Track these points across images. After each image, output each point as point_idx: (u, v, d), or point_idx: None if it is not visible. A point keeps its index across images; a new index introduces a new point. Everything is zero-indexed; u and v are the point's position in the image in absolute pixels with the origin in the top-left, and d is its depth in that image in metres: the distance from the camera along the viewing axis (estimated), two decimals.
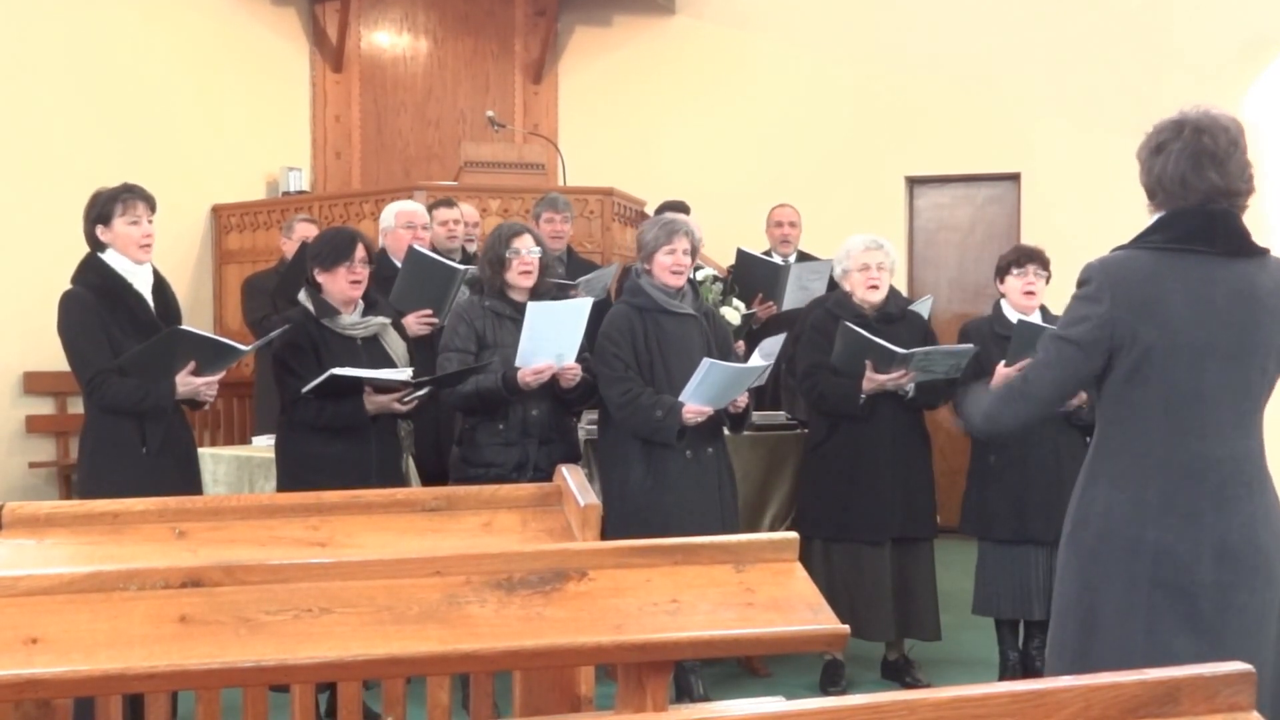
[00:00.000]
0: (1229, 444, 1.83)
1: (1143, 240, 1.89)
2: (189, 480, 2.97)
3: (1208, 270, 1.83)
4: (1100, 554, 1.86)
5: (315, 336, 3.02)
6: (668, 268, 3.21)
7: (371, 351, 3.08)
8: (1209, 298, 1.82)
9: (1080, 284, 1.91)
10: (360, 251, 3.03)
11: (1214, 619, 1.81)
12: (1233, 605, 1.82)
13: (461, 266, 3.75)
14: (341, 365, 2.93)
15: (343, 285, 3.02)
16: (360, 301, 3.10)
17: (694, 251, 3.29)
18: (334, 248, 3.03)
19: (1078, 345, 1.87)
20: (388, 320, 3.17)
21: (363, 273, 3.04)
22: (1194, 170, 1.83)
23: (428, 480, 3.34)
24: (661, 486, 3.17)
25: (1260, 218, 5.55)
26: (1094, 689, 1.07)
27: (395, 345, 3.17)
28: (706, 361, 3.03)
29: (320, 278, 3.05)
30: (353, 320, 3.08)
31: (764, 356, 3.43)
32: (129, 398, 2.81)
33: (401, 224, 4.04)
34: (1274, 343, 1.86)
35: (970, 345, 3.34)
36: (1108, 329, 1.83)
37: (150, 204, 2.91)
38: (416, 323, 3.63)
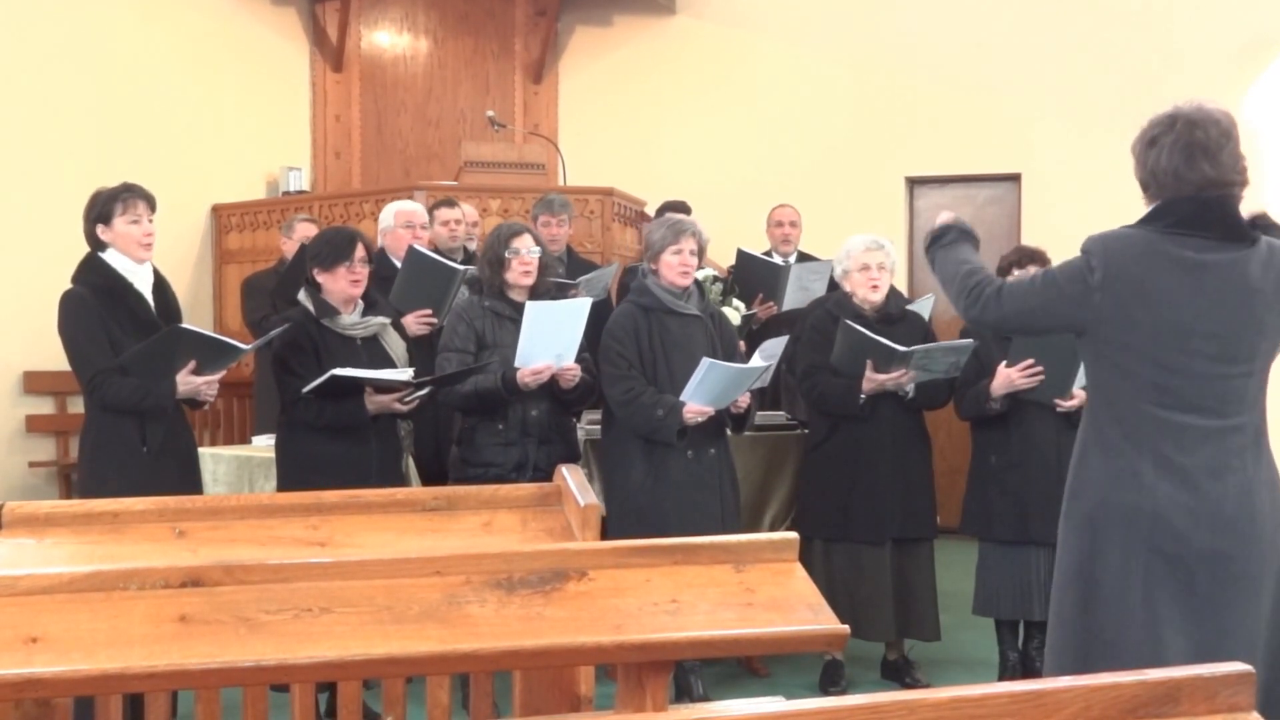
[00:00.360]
0: (1222, 418, 1.87)
1: (1141, 225, 1.93)
2: (189, 480, 2.97)
3: (1200, 254, 1.87)
4: (1096, 523, 1.89)
5: (315, 336, 3.02)
6: (674, 267, 3.22)
7: (371, 351, 3.08)
8: (1198, 279, 1.86)
9: (1082, 251, 1.95)
10: (360, 251, 3.03)
11: (1210, 588, 1.84)
12: (1229, 575, 1.84)
13: (461, 266, 3.75)
14: (341, 365, 2.93)
15: (342, 285, 3.02)
16: (360, 301, 3.10)
17: (700, 252, 3.29)
18: (333, 247, 3.03)
19: (1059, 291, 1.93)
20: (387, 320, 3.17)
21: (362, 272, 3.04)
22: (1186, 163, 1.86)
23: (427, 480, 3.35)
24: (662, 486, 3.17)
25: None
26: (1093, 689, 1.07)
27: (395, 345, 3.17)
28: (706, 361, 3.04)
29: (320, 277, 3.05)
30: (352, 320, 3.08)
31: (765, 357, 3.42)
32: (129, 397, 2.81)
33: (401, 224, 4.04)
34: (1266, 321, 1.89)
35: (970, 340, 3.35)
36: (1095, 298, 1.88)
37: (150, 203, 2.91)
38: (416, 322, 3.63)
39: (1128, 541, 1.85)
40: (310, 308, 3.05)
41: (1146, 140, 1.91)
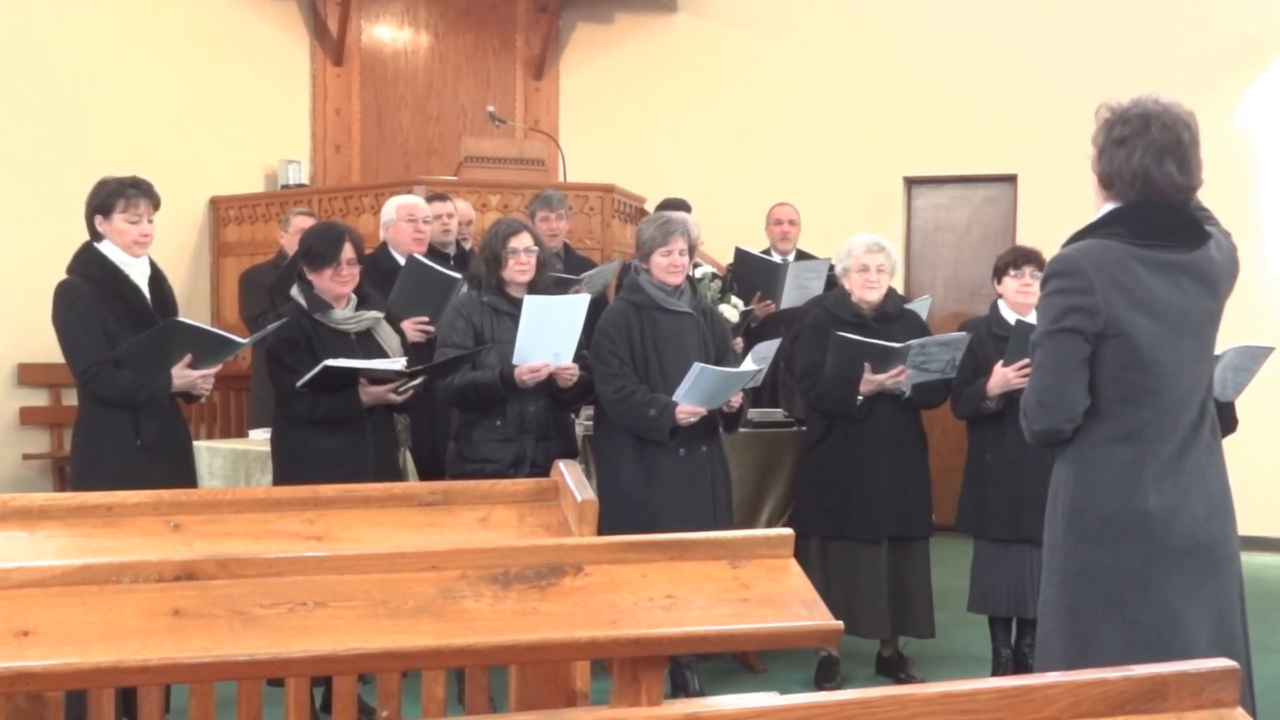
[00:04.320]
0: (1200, 414, 1.91)
1: (1106, 232, 1.90)
2: (183, 473, 2.97)
3: (1173, 259, 1.88)
4: (1107, 536, 1.87)
5: (309, 331, 3.02)
6: (664, 268, 3.23)
7: (365, 345, 3.08)
8: (1179, 281, 1.88)
9: (1055, 275, 1.89)
10: (348, 252, 3.01)
11: (1213, 573, 1.88)
12: (1226, 556, 1.91)
13: (459, 275, 3.75)
14: (335, 359, 2.93)
15: (330, 285, 3.03)
16: (353, 296, 3.09)
17: (691, 250, 3.29)
18: (320, 250, 3.01)
19: (1076, 332, 1.86)
20: (380, 315, 3.16)
21: (350, 273, 3.03)
22: (1158, 167, 1.86)
23: (424, 476, 3.34)
24: (653, 483, 3.17)
25: (1257, 221, 5.56)
26: (1082, 685, 1.08)
27: (389, 339, 3.17)
28: (697, 365, 3.05)
29: (310, 276, 3.05)
30: (346, 315, 3.08)
31: (757, 361, 3.43)
32: (123, 389, 2.80)
33: (403, 217, 4.04)
34: (1220, 314, 1.95)
35: (965, 334, 3.36)
36: (1101, 316, 1.85)
37: (154, 202, 2.90)
38: (413, 329, 3.62)
39: (1146, 548, 1.84)
40: (303, 303, 3.05)
41: (1115, 139, 1.89)
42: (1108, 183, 1.91)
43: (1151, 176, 1.85)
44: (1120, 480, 1.86)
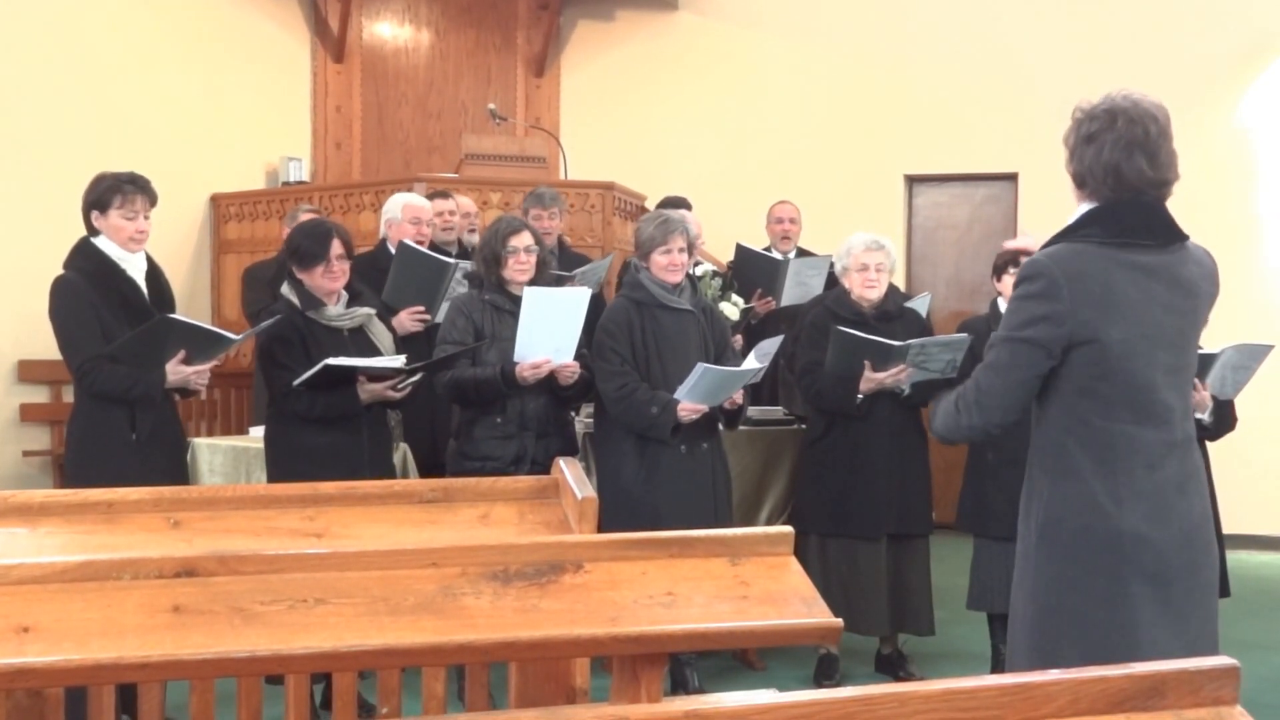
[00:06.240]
0: (1180, 428, 1.87)
1: (1081, 234, 1.88)
2: (176, 469, 2.97)
3: (1148, 261, 1.85)
4: (1077, 552, 1.84)
5: (302, 328, 3.02)
6: (663, 266, 3.23)
7: (358, 342, 3.08)
8: (1152, 288, 1.84)
9: (1026, 280, 1.87)
10: (336, 249, 3.01)
11: (1184, 602, 1.85)
12: (1199, 585, 1.87)
13: (452, 260, 3.75)
14: (330, 356, 2.93)
15: (320, 283, 3.03)
16: (344, 293, 3.09)
17: (690, 248, 3.29)
18: (310, 249, 3.01)
19: (1037, 345, 1.83)
20: (373, 311, 3.16)
21: (340, 268, 3.03)
22: (1127, 161, 1.83)
23: (424, 474, 3.35)
24: (654, 480, 3.18)
25: (1257, 221, 5.56)
26: (1081, 683, 1.08)
27: (382, 336, 3.16)
28: (700, 366, 3.05)
29: (299, 274, 3.05)
30: (338, 312, 3.08)
31: (759, 358, 3.43)
32: (118, 385, 2.80)
33: (408, 218, 4.03)
34: (1199, 326, 1.91)
35: (965, 335, 3.36)
36: (1067, 326, 1.82)
37: (151, 199, 2.90)
38: (409, 319, 3.62)
39: (1114, 569, 1.82)
40: (295, 301, 3.05)
41: (1084, 136, 1.87)
42: (1080, 181, 1.89)
43: (1121, 171, 1.83)
44: (1094, 496, 1.83)
